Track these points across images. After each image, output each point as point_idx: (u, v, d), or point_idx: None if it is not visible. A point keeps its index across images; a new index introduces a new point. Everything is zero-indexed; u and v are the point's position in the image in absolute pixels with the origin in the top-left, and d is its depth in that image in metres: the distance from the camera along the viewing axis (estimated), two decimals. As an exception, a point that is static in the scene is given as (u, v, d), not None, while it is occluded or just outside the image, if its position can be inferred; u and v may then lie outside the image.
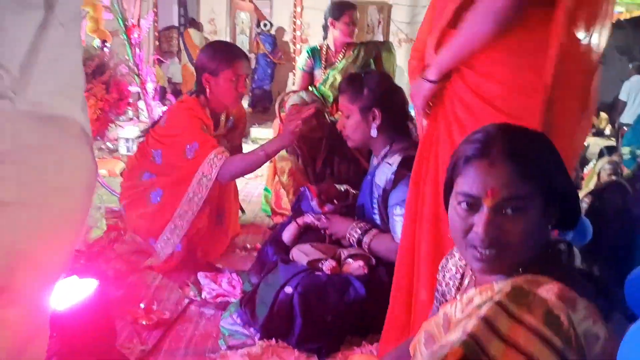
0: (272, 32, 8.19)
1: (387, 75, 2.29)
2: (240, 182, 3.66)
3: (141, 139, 2.52)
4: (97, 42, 3.82)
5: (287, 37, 8.49)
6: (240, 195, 3.05)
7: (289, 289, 1.75)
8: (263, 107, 7.94)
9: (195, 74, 2.49)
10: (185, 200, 2.24)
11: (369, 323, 1.76)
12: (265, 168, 3.48)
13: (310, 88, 3.21)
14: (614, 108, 5.89)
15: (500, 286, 0.78)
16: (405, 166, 1.81)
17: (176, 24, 9.20)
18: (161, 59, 6.68)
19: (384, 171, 1.88)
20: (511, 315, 0.73)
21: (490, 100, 1.22)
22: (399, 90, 2.05)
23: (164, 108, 3.64)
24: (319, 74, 3.26)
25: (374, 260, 1.89)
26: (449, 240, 1.17)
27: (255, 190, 3.72)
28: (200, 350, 1.76)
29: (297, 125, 2.25)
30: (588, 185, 3.03)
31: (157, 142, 2.36)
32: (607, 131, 6.80)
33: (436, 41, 1.30)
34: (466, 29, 1.22)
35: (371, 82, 1.97)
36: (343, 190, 2.30)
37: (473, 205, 0.88)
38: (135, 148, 4.10)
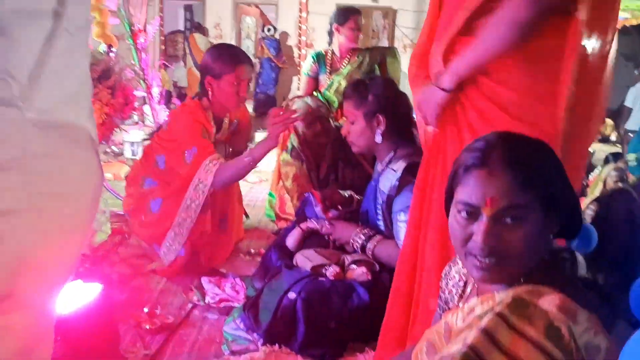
0: (276, 36, 8.21)
1: (391, 81, 2.29)
2: (244, 187, 3.67)
3: (147, 142, 2.54)
4: (103, 47, 3.84)
5: (292, 42, 8.52)
6: (245, 200, 3.06)
7: (292, 295, 1.75)
8: (267, 111, 7.96)
9: (200, 77, 2.51)
10: (183, 207, 2.25)
11: (372, 329, 1.76)
12: (270, 173, 3.49)
13: (315, 93, 3.22)
14: (620, 114, 5.87)
15: (501, 296, 0.77)
16: (409, 172, 1.81)
17: (182, 29, 9.24)
18: (166, 63, 6.71)
19: (388, 177, 1.89)
20: (512, 327, 0.72)
21: (505, 106, 1.22)
22: (403, 96, 2.05)
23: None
24: (323, 79, 3.26)
25: (377, 267, 1.88)
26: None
27: (260, 195, 3.72)
28: (204, 355, 1.76)
29: (281, 130, 2.27)
30: (593, 192, 3.02)
31: (160, 147, 2.38)
32: (613, 137, 6.78)
33: (445, 49, 1.29)
34: (486, 37, 1.21)
35: (376, 88, 1.97)
36: (347, 196, 2.30)
37: (472, 214, 0.88)
38: (140, 151, 4.12)
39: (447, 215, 0.98)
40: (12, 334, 0.70)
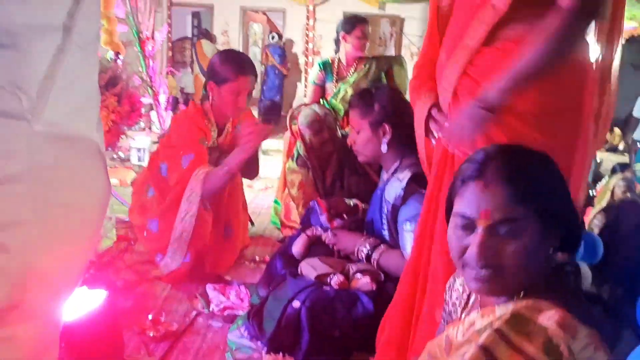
0: (281, 43, 8.24)
1: (397, 90, 2.29)
2: (250, 194, 3.68)
3: (154, 147, 2.58)
4: (110, 54, 3.87)
5: (298, 49, 8.55)
6: (250, 207, 3.06)
7: (296, 303, 1.75)
8: (273, 118, 7.98)
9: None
10: (178, 220, 2.28)
11: (376, 339, 1.75)
12: (276, 180, 3.50)
13: (321, 101, 3.22)
14: (627, 124, 5.85)
15: (501, 311, 0.77)
16: (415, 182, 1.81)
17: (189, 35, 9.30)
18: (173, 70, 6.76)
19: (393, 187, 1.88)
20: (510, 343, 0.72)
21: (523, 117, 1.19)
22: (409, 106, 2.04)
23: (176, 118, 3.67)
24: (330, 87, 3.28)
25: (382, 276, 1.88)
26: None
27: (265, 202, 3.72)
28: (207, 363, 1.76)
29: (255, 142, 2.30)
30: (601, 202, 3.00)
31: (163, 154, 2.42)
32: (621, 147, 6.75)
33: (466, 60, 1.25)
34: (533, 51, 1.14)
35: (382, 98, 1.97)
36: (352, 204, 2.30)
37: (469, 226, 0.88)
38: (146, 157, 4.15)
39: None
40: (18, 344, 0.71)
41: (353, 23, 3.20)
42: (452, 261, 1.29)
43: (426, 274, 1.40)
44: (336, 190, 2.84)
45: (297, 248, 2.12)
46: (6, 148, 0.64)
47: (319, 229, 2.12)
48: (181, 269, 2.31)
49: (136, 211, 2.47)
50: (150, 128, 5.41)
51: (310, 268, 1.93)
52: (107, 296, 1.59)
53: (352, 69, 3.23)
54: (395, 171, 1.92)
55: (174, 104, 5.81)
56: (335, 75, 3.27)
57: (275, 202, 3.20)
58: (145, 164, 3.95)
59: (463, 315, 1.01)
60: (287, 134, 3.15)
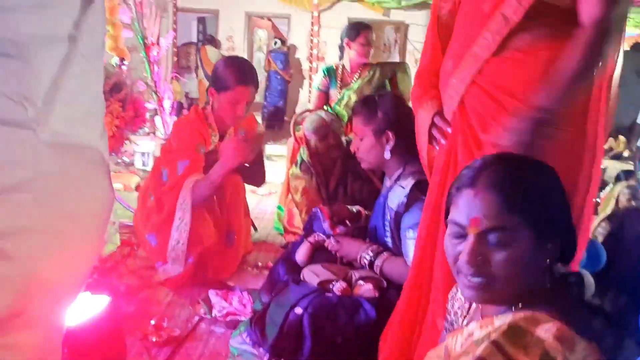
0: (284, 49, 8.27)
1: (401, 97, 2.30)
2: (253, 199, 3.68)
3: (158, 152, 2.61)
4: (115, 60, 3.89)
5: (302, 55, 8.58)
6: (253, 213, 3.06)
7: (299, 310, 1.75)
8: (276, 123, 8.00)
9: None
10: (174, 228, 2.30)
11: (378, 346, 1.75)
12: (279, 185, 3.50)
13: (325, 107, 3.23)
14: (632, 131, 5.83)
15: (500, 321, 0.77)
16: (418, 189, 1.80)
17: (195, 41, 9.35)
18: (178, 75, 6.79)
19: (397, 194, 1.88)
20: (507, 355, 0.72)
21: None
22: (412, 113, 2.05)
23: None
24: (334, 93, 3.28)
25: (385, 283, 1.88)
26: None
27: (268, 208, 3.73)
28: (209, 369, 1.77)
29: (234, 164, 2.32)
30: (605, 210, 2.99)
31: (164, 159, 2.43)
32: (626, 154, 6.74)
33: (476, 69, 1.26)
34: (569, 63, 1.13)
35: (385, 105, 1.97)
36: (355, 211, 2.30)
37: (461, 233, 0.88)
38: (151, 161, 4.16)
39: None
40: (21, 350, 0.71)
41: (357, 30, 3.20)
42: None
43: (429, 282, 1.40)
44: (340, 196, 2.84)
45: (300, 256, 2.12)
46: (12, 157, 0.65)
47: (322, 235, 2.12)
48: (182, 274, 2.32)
49: (139, 217, 2.48)
50: (154, 133, 5.43)
51: (313, 274, 1.93)
52: (110, 301, 1.59)
53: (356, 76, 3.24)
54: (399, 178, 1.92)
55: (178, 109, 5.83)
56: (339, 82, 3.27)
57: (279, 207, 3.20)
58: (149, 168, 3.96)
59: (464, 324, 1.01)
60: (291, 139, 3.16)
